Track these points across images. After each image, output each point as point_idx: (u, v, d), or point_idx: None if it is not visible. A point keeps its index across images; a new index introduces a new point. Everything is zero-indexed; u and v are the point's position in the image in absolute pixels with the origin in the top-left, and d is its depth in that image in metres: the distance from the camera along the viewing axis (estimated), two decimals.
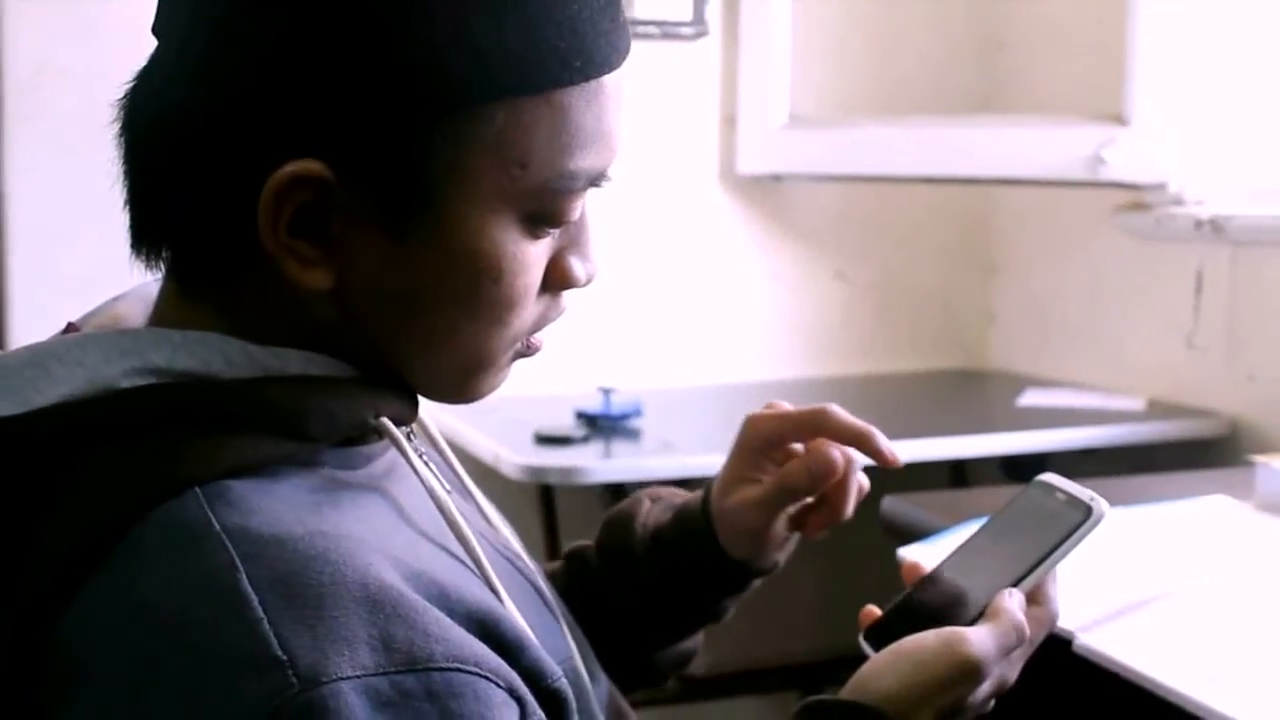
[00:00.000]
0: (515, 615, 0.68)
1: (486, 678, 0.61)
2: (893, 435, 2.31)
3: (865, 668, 0.79)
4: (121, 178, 0.72)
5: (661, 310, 2.65)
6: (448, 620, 0.62)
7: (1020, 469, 2.33)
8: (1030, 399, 2.46)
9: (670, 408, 2.38)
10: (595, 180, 0.72)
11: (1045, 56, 2.69)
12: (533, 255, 0.71)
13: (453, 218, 0.68)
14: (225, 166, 0.67)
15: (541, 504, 2.41)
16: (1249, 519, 1.54)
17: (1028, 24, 2.73)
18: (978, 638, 0.78)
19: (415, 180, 0.67)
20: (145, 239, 0.71)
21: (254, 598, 0.58)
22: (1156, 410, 2.34)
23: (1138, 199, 2.42)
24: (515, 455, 2.00)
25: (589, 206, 0.75)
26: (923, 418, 2.46)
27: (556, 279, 0.74)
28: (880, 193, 2.74)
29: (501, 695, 0.61)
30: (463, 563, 0.70)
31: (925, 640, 0.78)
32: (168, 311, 0.72)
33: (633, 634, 1.00)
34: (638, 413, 2.23)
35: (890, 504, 1.64)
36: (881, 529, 1.63)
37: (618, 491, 2.19)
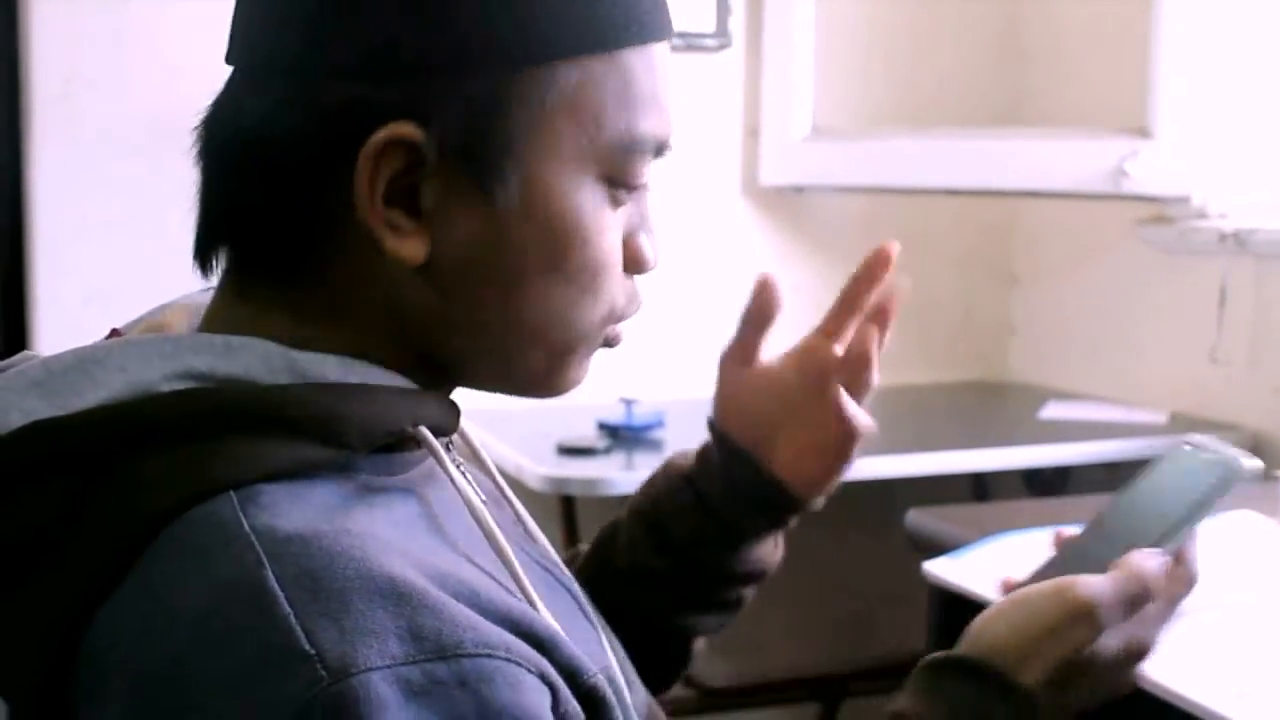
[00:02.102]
0: (549, 618, 0.68)
1: (517, 663, 0.61)
2: (913, 447, 2.31)
3: (981, 615, 0.80)
4: (198, 189, 0.73)
5: (683, 321, 2.65)
6: (475, 613, 0.62)
7: (1042, 482, 2.33)
8: (1052, 412, 2.46)
9: (692, 419, 2.36)
10: (659, 149, 0.75)
11: (1069, 69, 2.69)
12: (613, 222, 0.74)
13: (539, 179, 0.70)
14: (307, 145, 0.68)
15: (563, 515, 2.41)
16: (1276, 534, 1.54)
17: (1051, 36, 2.73)
18: (1091, 582, 0.79)
19: (500, 141, 0.69)
20: (213, 240, 0.73)
21: (280, 594, 0.59)
22: (1179, 424, 2.33)
23: (1160, 212, 2.42)
24: (538, 466, 2.01)
25: (650, 190, 0.78)
26: (944, 430, 2.47)
27: (630, 258, 0.76)
28: (902, 204, 2.74)
29: (533, 680, 0.62)
30: (493, 576, 0.70)
31: (1040, 587, 0.80)
32: (220, 316, 0.73)
33: (671, 597, 1.01)
34: (660, 424, 2.23)
35: (915, 517, 1.64)
36: (907, 542, 1.63)
37: None
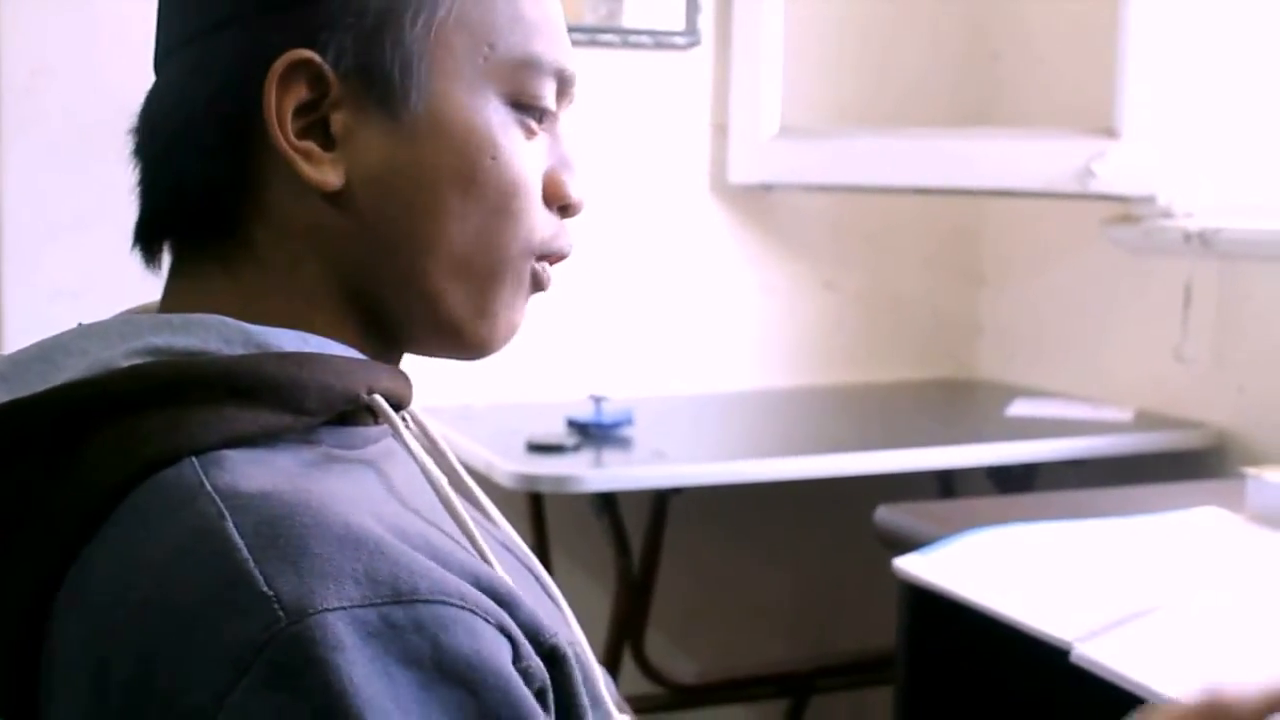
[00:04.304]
0: (509, 581, 0.68)
1: (474, 612, 0.61)
2: (880, 445, 2.32)
3: None
4: (136, 184, 0.75)
5: (652, 318, 2.66)
6: (433, 564, 0.62)
7: (1009, 479, 2.34)
8: (1019, 409, 2.47)
9: (661, 416, 2.38)
10: (561, 79, 0.77)
11: (1036, 69, 2.71)
12: (526, 147, 0.76)
13: (440, 94, 0.72)
14: (215, 106, 0.71)
15: (532, 512, 2.41)
16: (1241, 530, 1.55)
17: (1019, 37, 2.74)
18: (1236, 684, 0.76)
19: (395, 59, 0.71)
20: (152, 230, 0.75)
21: (239, 541, 0.60)
22: (1144, 421, 2.36)
23: (1127, 211, 2.43)
24: (507, 463, 2.01)
25: (569, 131, 0.80)
26: (911, 427, 2.48)
27: (552, 191, 0.78)
28: (870, 203, 2.76)
29: (492, 631, 0.62)
30: (455, 540, 0.70)
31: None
32: (171, 300, 0.75)
33: None
34: (629, 421, 2.23)
35: (884, 514, 1.65)
36: (876, 539, 1.64)
37: (608, 500, 2.20)
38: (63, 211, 2.21)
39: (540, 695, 0.64)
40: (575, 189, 0.79)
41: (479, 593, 0.63)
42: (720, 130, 2.66)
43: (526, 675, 0.63)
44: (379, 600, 0.59)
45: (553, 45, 0.76)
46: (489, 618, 0.62)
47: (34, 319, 2.21)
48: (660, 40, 2.60)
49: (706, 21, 2.62)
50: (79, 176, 2.21)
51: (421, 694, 0.58)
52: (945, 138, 2.57)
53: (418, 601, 0.60)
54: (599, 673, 0.74)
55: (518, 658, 0.63)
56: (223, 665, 0.57)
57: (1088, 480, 2.19)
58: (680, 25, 2.60)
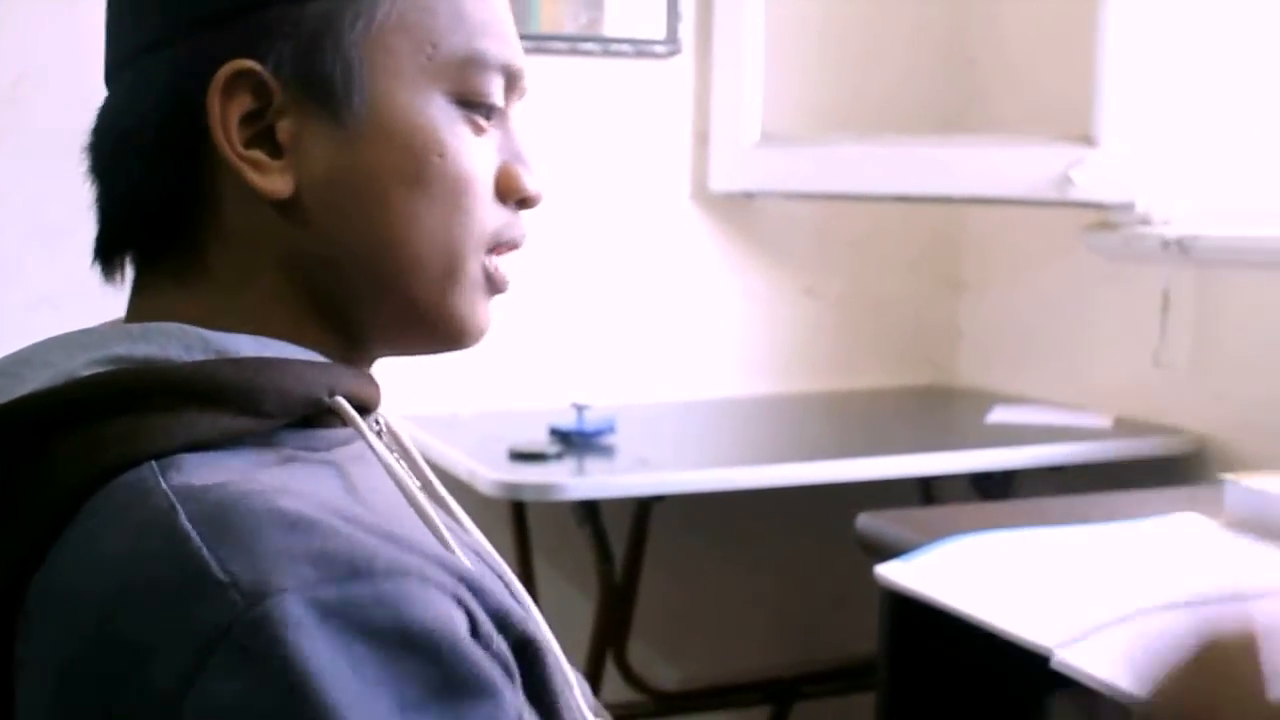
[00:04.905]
0: (474, 571, 0.68)
1: (432, 584, 0.61)
2: (862, 452, 2.32)
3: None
4: (94, 204, 0.76)
5: (634, 326, 2.66)
6: (389, 543, 0.63)
7: (989, 485, 2.35)
8: (998, 416, 2.48)
9: (644, 424, 2.39)
10: (509, 75, 0.77)
11: (1016, 77, 2.72)
12: (475, 144, 0.76)
13: (383, 97, 0.72)
14: (162, 116, 0.71)
15: (514, 520, 2.41)
16: (1220, 536, 1.56)
17: (998, 45, 2.76)
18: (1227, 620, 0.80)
19: (335, 64, 0.72)
20: (111, 245, 0.76)
21: (191, 530, 0.60)
22: (1123, 428, 2.37)
23: (1105, 218, 2.45)
24: (489, 471, 2.00)
25: (522, 125, 0.80)
26: (891, 434, 2.48)
27: (506, 185, 0.78)
28: (851, 210, 2.76)
29: (449, 603, 0.62)
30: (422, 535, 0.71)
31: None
32: (133, 314, 0.75)
33: None
34: (611, 429, 2.23)
35: (865, 521, 1.65)
36: (858, 546, 1.64)
37: (591, 508, 2.20)
38: (44, 220, 2.21)
39: (505, 673, 0.63)
40: (531, 182, 0.79)
41: (438, 568, 0.63)
42: (701, 138, 2.67)
43: (488, 651, 0.63)
44: (335, 577, 0.59)
45: (497, 41, 0.76)
46: (445, 591, 0.62)
47: (14, 327, 2.21)
48: (641, 49, 2.60)
49: (687, 30, 2.63)
50: (61, 185, 2.18)
51: (384, 668, 0.58)
52: (925, 146, 2.58)
53: (375, 575, 0.60)
54: (573, 676, 0.75)
55: (476, 634, 0.63)
56: (184, 652, 0.57)
57: (1067, 486, 2.20)
58: (661, 34, 2.61)
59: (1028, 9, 2.68)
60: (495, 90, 0.76)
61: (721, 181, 2.66)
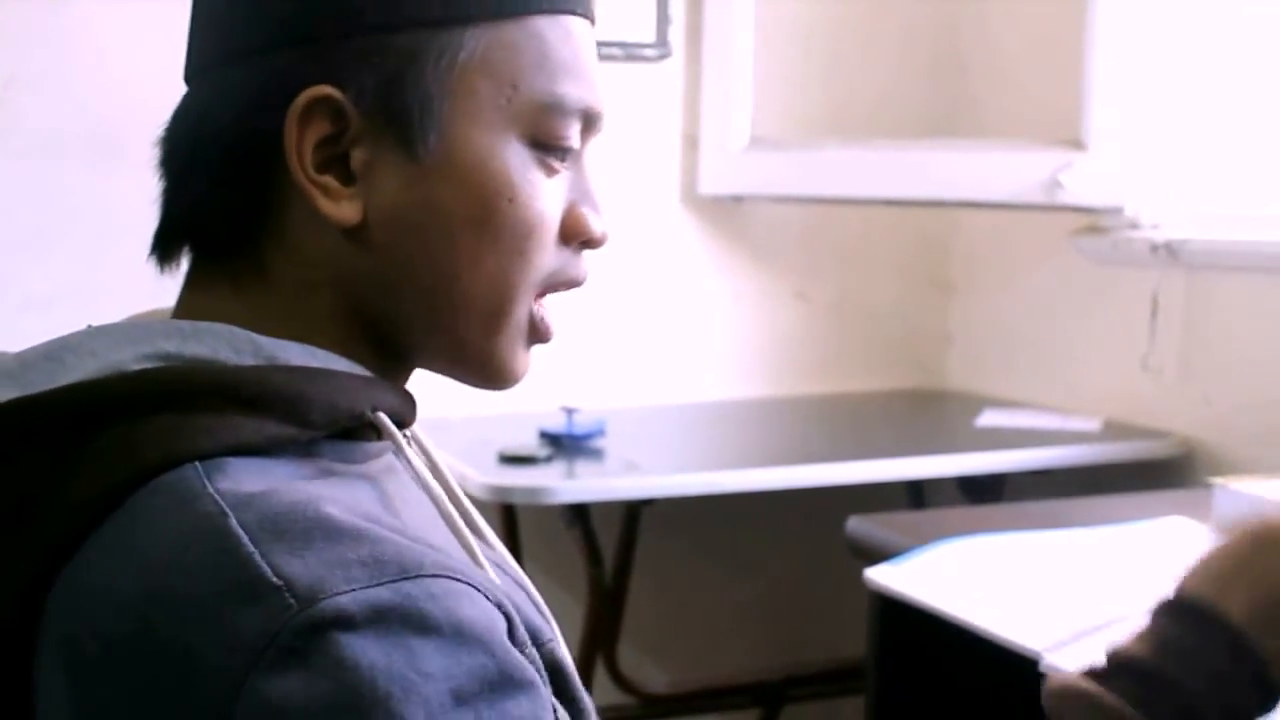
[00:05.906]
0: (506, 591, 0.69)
1: (476, 587, 0.63)
2: (851, 455, 2.33)
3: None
4: (159, 197, 0.76)
5: (624, 330, 2.66)
6: (432, 549, 0.64)
7: (978, 489, 2.36)
8: (988, 419, 2.49)
9: (633, 427, 2.39)
10: (588, 117, 0.77)
11: (1005, 81, 2.73)
12: (546, 187, 0.75)
13: (460, 136, 0.72)
14: (240, 130, 0.71)
15: (504, 524, 2.41)
16: (1208, 541, 1.56)
17: (987, 49, 2.76)
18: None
19: (416, 99, 0.71)
20: (170, 238, 0.76)
21: (243, 535, 0.60)
22: (1112, 431, 2.37)
23: (1094, 222, 2.45)
24: (479, 475, 2.01)
25: (592, 167, 0.79)
26: (881, 437, 2.49)
27: (572, 228, 0.78)
28: (840, 214, 2.77)
29: (493, 607, 0.63)
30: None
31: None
32: (183, 309, 0.75)
33: None
34: (601, 432, 2.23)
35: (856, 525, 1.65)
36: (847, 549, 1.64)
37: (581, 511, 2.20)
38: (33, 223, 2.20)
39: (539, 675, 0.65)
40: (598, 225, 0.79)
41: (479, 572, 0.64)
42: (691, 142, 2.67)
43: (523, 654, 0.64)
44: (387, 579, 0.60)
45: (579, 84, 0.76)
46: (489, 594, 0.63)
47: (3, 331, 2.20)
48: (631, 52, 2.60)
49: (677, 34, 2.63)
50: (50, 188, 2.20)
51: (445, 660, 0.59)
52: (914, 149, 2.58)
53: (425, 576, 0.61)
54: (589, 703, 0.75)
55: (512, 631, 0.64)
56: (237, 654, 0.57)
57: (1056, 490, 2.20)
58: (651, 37, 2.61)
59: (1017, 13, 2.69)
60: (573, 133, 0.76)
61: (711, 185, 2.66)
